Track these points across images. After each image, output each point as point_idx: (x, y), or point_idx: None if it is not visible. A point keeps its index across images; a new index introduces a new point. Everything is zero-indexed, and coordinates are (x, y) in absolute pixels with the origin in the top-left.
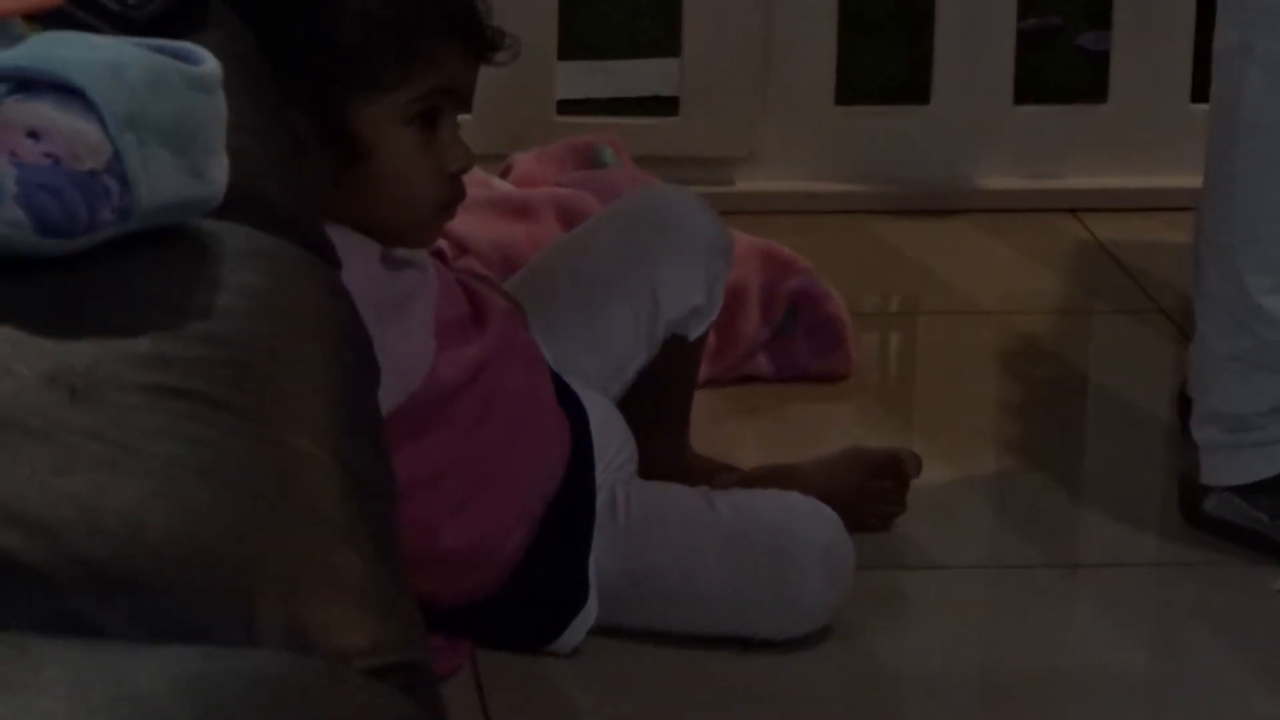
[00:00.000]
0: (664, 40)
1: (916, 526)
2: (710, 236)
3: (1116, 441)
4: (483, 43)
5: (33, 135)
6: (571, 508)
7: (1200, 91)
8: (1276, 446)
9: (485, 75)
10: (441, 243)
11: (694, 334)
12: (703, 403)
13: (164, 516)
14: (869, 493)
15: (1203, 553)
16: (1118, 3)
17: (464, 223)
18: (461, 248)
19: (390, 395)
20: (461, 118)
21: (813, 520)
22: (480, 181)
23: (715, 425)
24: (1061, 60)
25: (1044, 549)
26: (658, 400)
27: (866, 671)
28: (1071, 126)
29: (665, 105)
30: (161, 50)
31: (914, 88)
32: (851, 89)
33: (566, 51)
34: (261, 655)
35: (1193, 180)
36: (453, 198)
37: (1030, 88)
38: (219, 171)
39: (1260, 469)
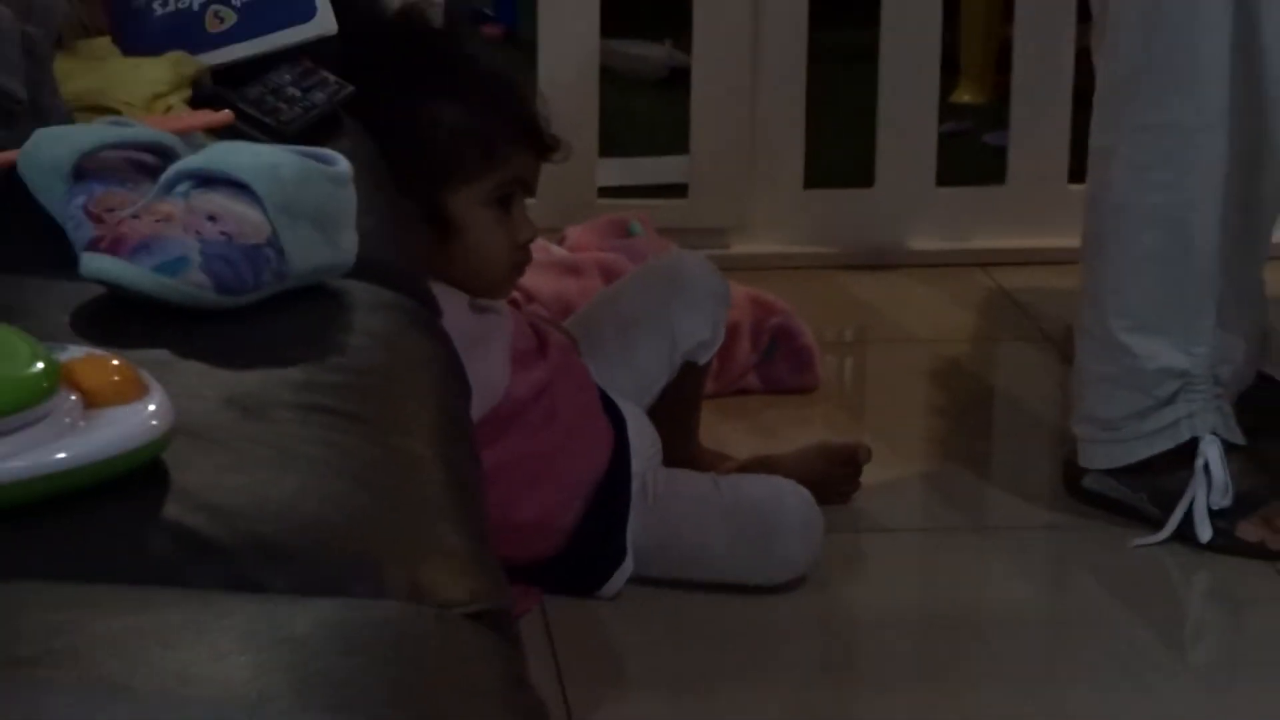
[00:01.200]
0: (676, 141)
1: (869, 500)
2: (712, 287)
3: (1016, 436)
4: (544, 146)
5: (212, 218)
6: (614, 490)
7: (1076, 174)
8: (1132, 443)
9: (545, 168)
10: (515, 294)
11: (702, 360)
12: (708, 410)
13: (313, 502)
14: (834, 476)
15: (1081, 518)
16: (1014, 110)
17: (531, 279)
18: (529, 297)
19: (478, 408)
20: (528, 200)
21: (792, 497)
22: (542, 248)
23: (718, 426)
24: (972, 153)
25: (963, 516)
26: (676, 409)
27: (833, 610)
28: (980, 202)
29: (678, 190)
30: (306, 154)
31: (862, 174)
32: (815, 175)
33: (605, 150)
34: (388, 605)
35: (1072, 241)
36: (523, 261)
37: (949, 173)
38: (351, 244)
39: (1120, 457)
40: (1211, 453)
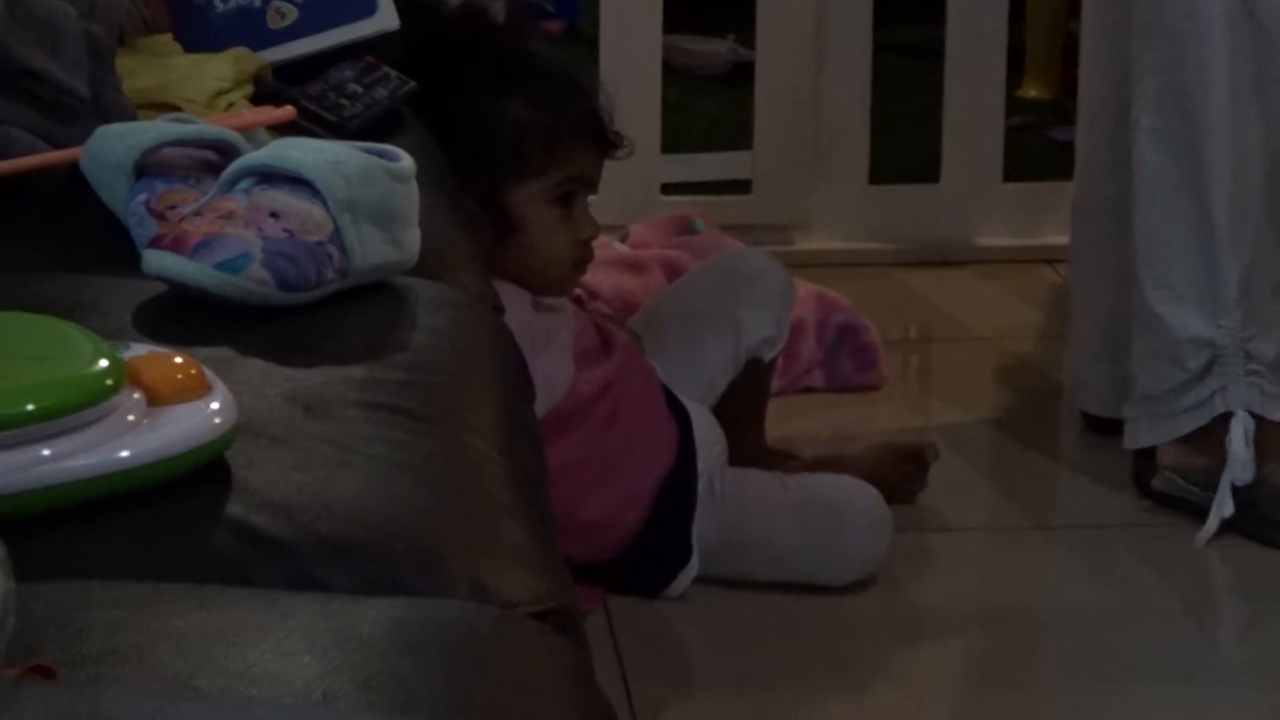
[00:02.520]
0: (740, 137)
1: (936, 499)
2: (777, 284)
3: (1083, 435)
4: (607, 142)
5: (274, 215)
6: (679, 488)
7: None
8: (1169, 419)
9: (607, 165)
10: (578, 291)
11: (767, 357)
12: (774, 408)
13: (376, 500)
14: (900, 475)
15: (1150, 518)
16: (1080, 104)
17: (593, 277)
18: (592, 295)
19: (542, 406)
20: (590, 197)
21: (860, 495)
22: (604, 245)
23: (784, 425)
24: (1039, 148)
25: (1030, 515)
26: (741, 407)
27: (901, 608)
28: (1047, 198)
29: (741, 186)
30: (369, 150)
31: (928, 170)
32: (880, 172)
33: (667, 147)
34: (451, 604)
35: None
36: (585, 258)
37: (1015, 169)
38: (413, 241)
39: (1160, 434)
40: (1236, 429)
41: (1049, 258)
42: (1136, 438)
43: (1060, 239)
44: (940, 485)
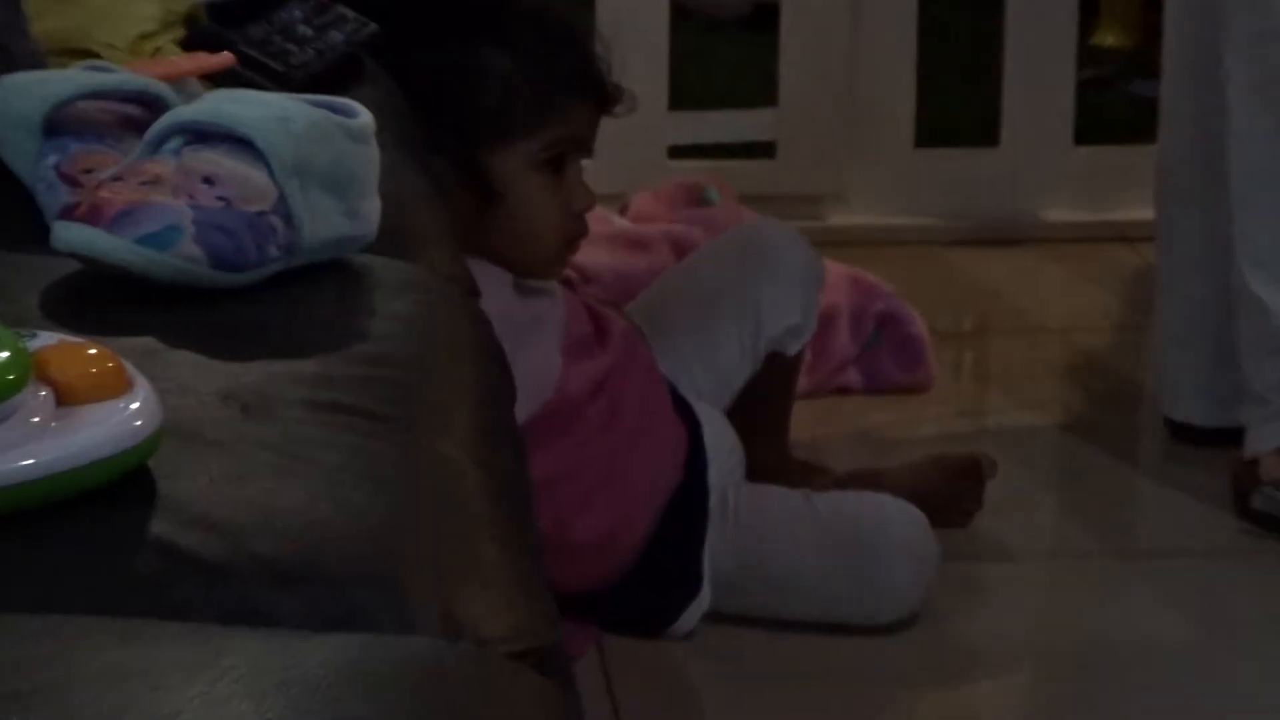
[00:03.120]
0: (762, 92)
1: (992, 523)
2: (804, 264)
3: (1171, 446)
4: (604, 98)
5: (208, 181)
6: (687, 506)
7: None
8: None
9: (605, 124)
10: (569, 272)
11: (792, 350)
12: (801, 412)
13: (329, 517)
14: (951, 493)
15: (1248, 541)
16: (1165, 53)
17: (587, 255)
18: (586, 278)
19: (525, 406)
20: (584, 162)
21: (901, 518)
22: (601, 219)
23: (812, 432)
24: (1116, 106)
25: (1106, 540)
26: (761, 410)
27: (950, 653)
28: (1126, 164)
29: (764, 149)
30: (321, 105)
31: (984, 131)
32: (928, 133)
33: (676, 103)
34: (415, 641)
35: None
36: (577, 234)
37: (1089, 130)
38: (373, 212)
39: (1271, 439)
40: None
41: (1128, 235)
42: (1254, 443)
43: (1142, 213)
44: (998, 505)
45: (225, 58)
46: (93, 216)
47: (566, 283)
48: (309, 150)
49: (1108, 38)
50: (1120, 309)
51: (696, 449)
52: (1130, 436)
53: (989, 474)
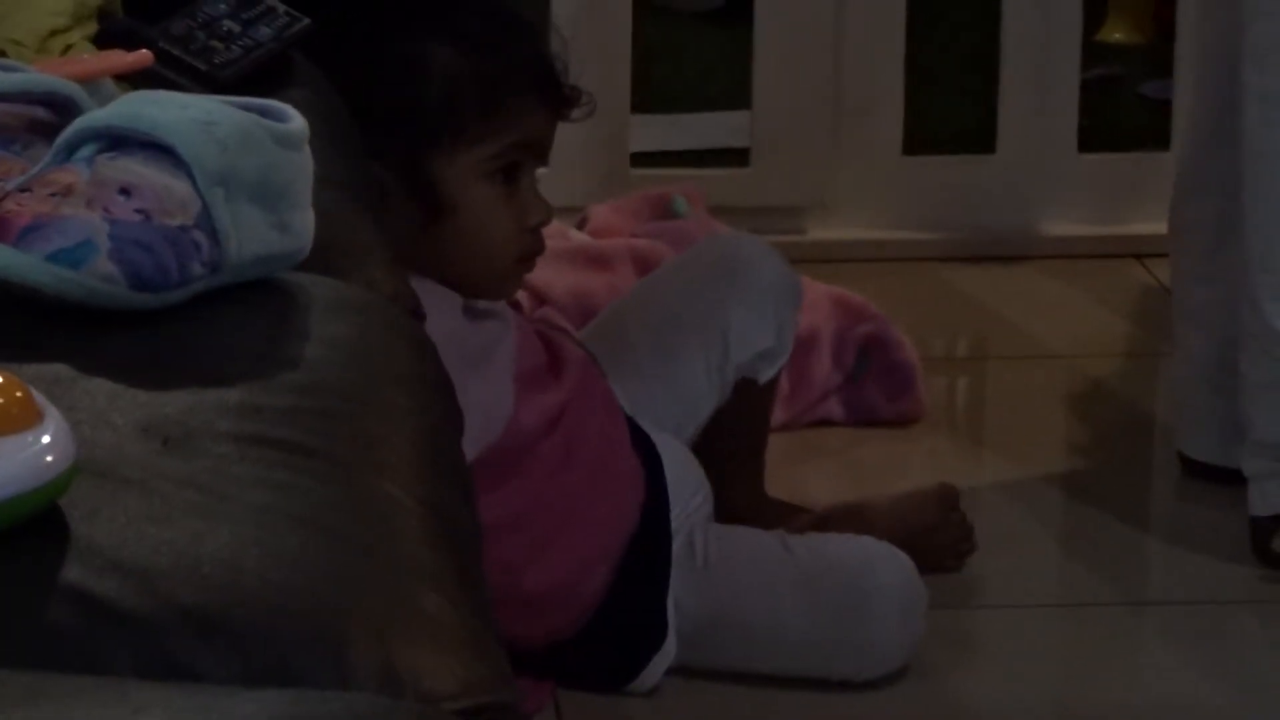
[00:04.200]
0: (735, 93)
1: (988, 566)
2: (777, 280)
3: (1185, 484)
4: (561, 100)
5: (124, 192)
6: (649, 549)
7: None
8: None
9: (562, 129)
10: (521, 293)
11: (764, 377)
12: (777, 446)
13: (258, 563)
14: (942, 533)
15: (1269, 589)
16: (1180, 52)
17: (542, 273)
18: (540, 298)
19: (473, 443)
20: (540, 171)
21: (886, 564)
22: (558, 233)
23: (789, 468)
24: (1124, 108)
25: (1115, 587)
26: (731, 443)
27: (943, 711)
28: (1135, 173)
29: (737, 156)
30: (249, 108)
31: (981, 137)
32: (919, 139)
33: (639, 105)
34: (354, 698)
35: None
36: (532, 250)
37: (1095, 136)
38: (305, 226)
39: None
40: None
41: (1139, 251)
42: (1263, 501)
43: (1153, 226)
44: (995, 547)
45: (143, 56)
46: None
47: (515, 305)
48: (235, 158)
49: (1115, 34)
50: (1130, 332)
51: (657, 486)
52: (1141, 473)
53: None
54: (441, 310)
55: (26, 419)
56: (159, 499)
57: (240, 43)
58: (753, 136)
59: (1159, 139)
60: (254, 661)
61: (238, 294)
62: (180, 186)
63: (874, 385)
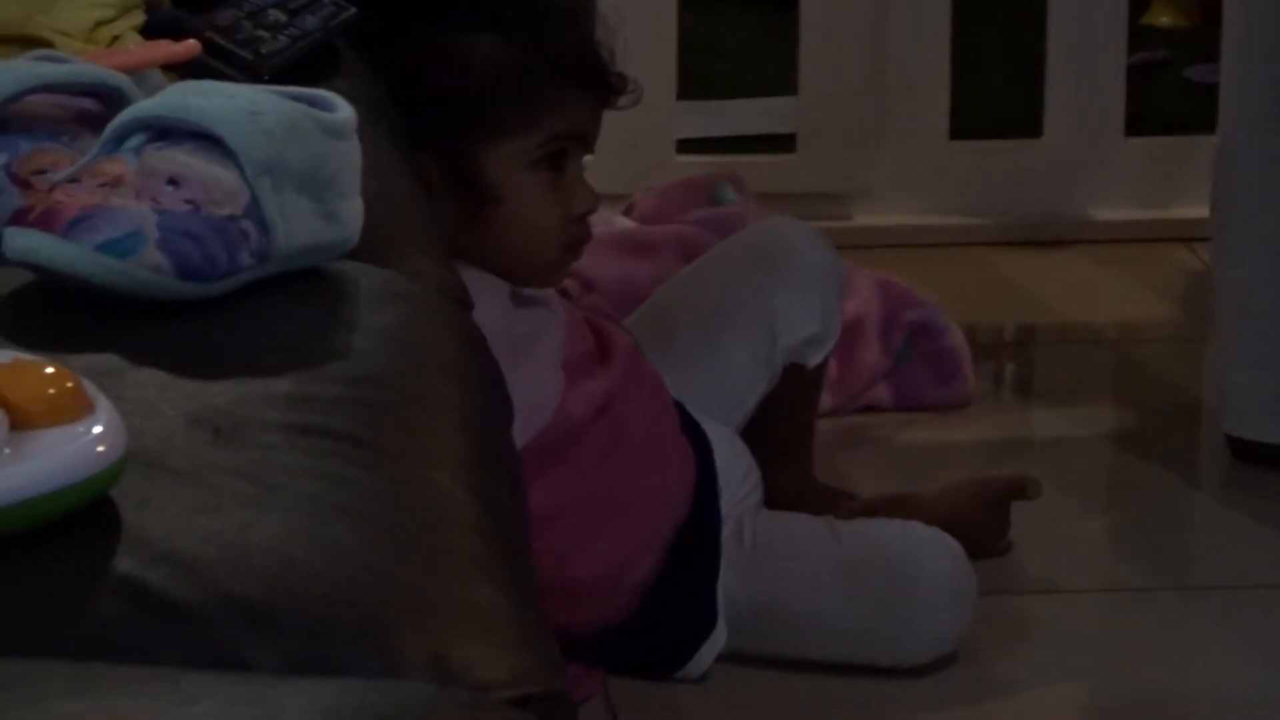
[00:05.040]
0: (780, 79)
1: (1036, 552)
2: (823, 265)
3: (1237, 468)
4: (606, 88)
5: (173, 182)
6: (698, 536)
7: None
8: None
9: (607, 117)
10: (568, 281)
11: (812, 362)
12: (825, 432)
13: (307, 553)
14: (990, 520)
15: None
16: (1225, 35)
17: (588, 261)
18: (587, 285)
19: (522, 431)
20: (585, 159)
21: (936, 550)
22: (604, 220)
23: (837, 454)
24: (1170, 93)
25: (1163, 572)
26: (779, 429)
27: (990, 696)
28: (1181, 157)
29: (782, 143)
30: (297, 97)
31: (1026, 121)
32: (965, 124)
33: (685, 92)
34: (404, 688)
35: None
36: (579, 238)
37: (1141, 120)
38: (353, 215)
39: None
40: None
41: (1186, 235)
42: None
43: (1199, 210)
44: (1043, 532)
45: (190, 46)
46: (47, 222)
47: (563, 292)
48: (283, 147)
49: (1161, 18)
50: (1177, 316)
51: (707, 474)
52: (1189, 456)
53: (1033, 495)
54: (489, 299)
55: (77, 410)
56: (208, 489)
57: (287, 32)
58: (798, 122)
59: (1205, 123)
60: (303, 651)
61: (285, 284)
62: (228, 176)
63: (921, 370)
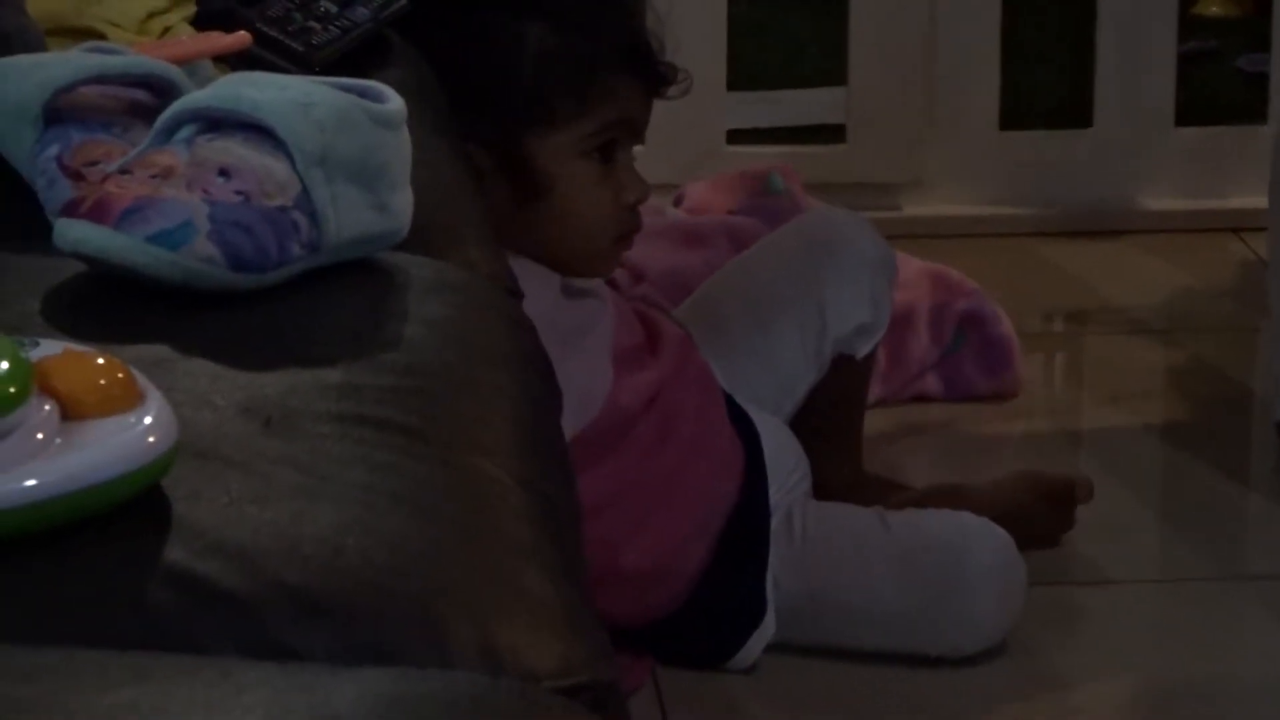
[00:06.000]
0: (830, 70)
1: (1086, 543)
2: (873, 254)
3: None
4: (656, 78)
5: (224, 173)
6: (747, 526)
7: None
8: None
9: (657, 107)
10: (617, 271)
11: (862, 352)
12: (874, 422)
13: (359, 542)
14: (1040, 514)
15: None
16: (1277, 24)
17: (639, 251)
18: (637, 276)
19: (572, 421)
20: (636, 149)
21: (985, 540)
22: (654, 210)
23: (887, 444)
24: (1221, 82)
25: (1215, 561)
26: (829, 419)
27: (1040, 687)
28: (1232, 147)
29: (832, 133)
30: (347, 88)
31: (1077, 112)
32: (1015, 114)
33: (735, 83)
34: (455, 677)
35: None
36: (629, 229)
37: (1192, 109)
38: (404, 206)
39: None
40: None
41: (1237, 225)
42: None
43: (1251, 200)
44: (1094, 523)
45: (241, 37)
46: (98, 213)
47: (612, 283)
48: (334, 139)
49: (1212, 7)
50: (1228, 306)
51: (756, 464)
52: (1240, 447)
53: (1084, 498)
54: (539, 289)
55: (128, 400)
56: (260, 479)
57: (337, 23)
58: (848, 113)
59: (1255, 113)
60: (354, 641)
61: (336, 274)
62: (279, 167)
63: (971, 361)
